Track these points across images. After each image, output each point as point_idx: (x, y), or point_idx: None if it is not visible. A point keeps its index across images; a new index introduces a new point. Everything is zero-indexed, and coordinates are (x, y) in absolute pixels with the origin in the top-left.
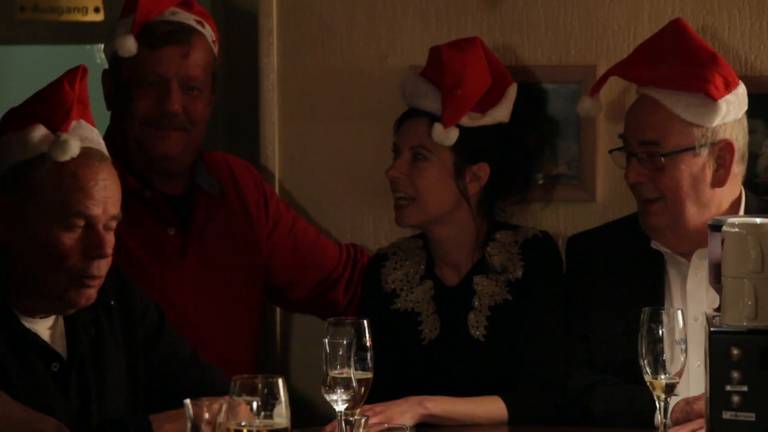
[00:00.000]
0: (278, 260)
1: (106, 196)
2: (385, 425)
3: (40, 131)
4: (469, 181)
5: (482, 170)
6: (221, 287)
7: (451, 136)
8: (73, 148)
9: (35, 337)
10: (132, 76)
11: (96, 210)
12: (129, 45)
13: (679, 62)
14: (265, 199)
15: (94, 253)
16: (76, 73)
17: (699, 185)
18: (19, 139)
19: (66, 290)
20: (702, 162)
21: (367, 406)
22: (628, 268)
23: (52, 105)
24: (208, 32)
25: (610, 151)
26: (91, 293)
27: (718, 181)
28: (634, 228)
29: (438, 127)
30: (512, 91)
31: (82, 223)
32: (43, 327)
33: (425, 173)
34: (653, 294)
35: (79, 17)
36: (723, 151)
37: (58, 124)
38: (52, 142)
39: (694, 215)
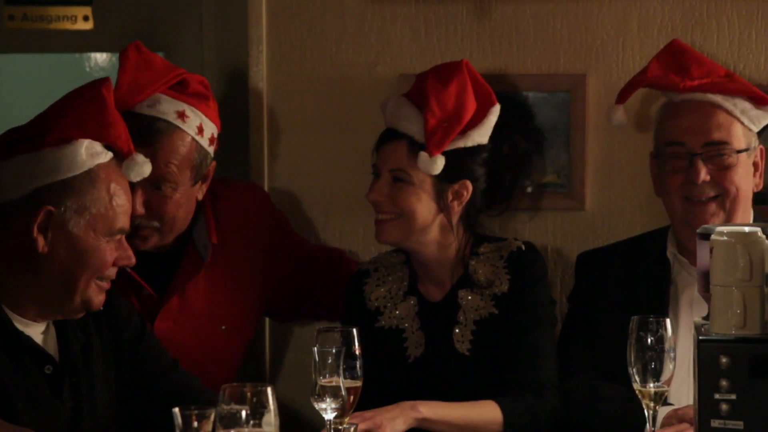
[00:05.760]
0: (283, 291)
1: (129, 208)
2: None
3: (86, 146)
4: (451, 200)
5: (464, 188)
6: (195, 345)
7: (438, 164)
8: (147, 170)
9: (28, 339)
10: None
11: (128, 224)
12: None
13: (704, 74)
14: (281, 241)
15: (125, 262)
16: (109, 84)
17: (751, 185)
18: (65, 154)
19: (91, 293)
20: (750, 163)
21: (357, 414)
22: (634, 279)
23: (99, 120)
24: (192, 123)
25: (654, 157)
26: (104, 297)
27: (756, 184)
28: (641, 244)
29: (423, 156)
30: (494, 113)
31: (119, 237)
32: (36, 332)
33: (407, 195)
34: (658, 302)
35: (68, 26)
36: (757, 157)
37: (122, 143)
38: (127, 163)
39: (743, 215)
